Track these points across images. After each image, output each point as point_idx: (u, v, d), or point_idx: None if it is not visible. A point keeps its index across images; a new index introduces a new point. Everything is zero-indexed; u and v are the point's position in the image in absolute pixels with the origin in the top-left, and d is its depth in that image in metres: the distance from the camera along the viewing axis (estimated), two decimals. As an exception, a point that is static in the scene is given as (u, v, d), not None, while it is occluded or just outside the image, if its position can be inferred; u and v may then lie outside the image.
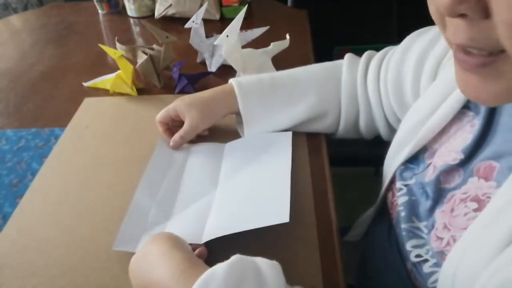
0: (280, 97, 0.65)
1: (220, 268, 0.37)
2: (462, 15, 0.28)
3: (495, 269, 0.32)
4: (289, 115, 0.65)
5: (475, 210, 0.39)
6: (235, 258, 0.38)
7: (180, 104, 0.65)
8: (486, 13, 0.27)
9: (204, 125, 0.66)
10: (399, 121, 0.58)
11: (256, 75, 0.68)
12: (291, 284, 0.39)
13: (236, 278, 0.36)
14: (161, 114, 0.67)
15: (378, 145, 0.71)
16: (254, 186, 0.58)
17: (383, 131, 0.67)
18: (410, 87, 0.58)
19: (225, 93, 0.66)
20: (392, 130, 0.65)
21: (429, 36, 0.56)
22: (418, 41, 0.58)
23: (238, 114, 0.66)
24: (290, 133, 0.66)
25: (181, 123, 0.66)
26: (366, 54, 0.68)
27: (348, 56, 0.69)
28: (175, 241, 0.43)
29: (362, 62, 0.67)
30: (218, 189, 0.60)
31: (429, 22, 0.59)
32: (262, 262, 0.39)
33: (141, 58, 0.81)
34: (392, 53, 0.64)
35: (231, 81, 0.66)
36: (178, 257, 0.41)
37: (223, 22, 1.12)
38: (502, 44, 0.28)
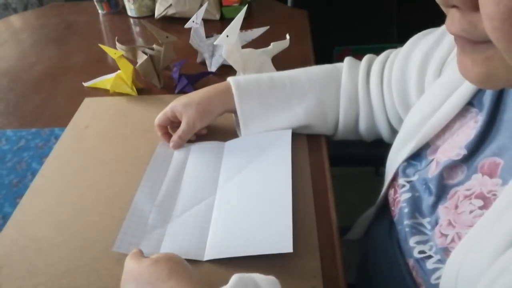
0: (278, 98, 0.65)
1: None
2: (455, 6, 0.30)
3: (500, 268, 0.32)
4: (286, 116, 0.65)
5: (481, 208, 0.39)
6: (235, 279, 0.39)
7: (177, 105, 0.65)
8: (475, 5, 0.29)
9: (201, 124, 0.66)
10: (401, 122, 0.58)
11: (255, 75, 0.68)
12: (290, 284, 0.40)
13: None
14: (159, 117, 0.67)
15: (378, 145, 0.71)
16: (254, 192, 0.58)
17: (384, 133, 0.67)
18: (415, 88, 0.58)
19: (221, 91, 0.66)
20: (394, 132, 0.65)
21: (433, 37, 0.56)
22: (421, 42, 0.58)
23: (235, 112, 0.66)
24: (289, 131, 0.66)
25: (180, 124, 0.66)
26: (366, 57, 0.68)
27: (348, 59, 0.69)
28: (173, 266, 0.42)
29: (363, 65, 0.67)
30: (218, 192, 0.60)
31: (429, 22, 0.60)
32: (261, 280, 0.39)
33: (141, 58, 0.81)
34: (395, 55, 0.64)
35: (229, 79, 0.67)
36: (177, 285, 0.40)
37: (223, 22, 1.12)
38: (489, 36, 0.29)
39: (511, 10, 0.26)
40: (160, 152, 0.67)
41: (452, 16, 0.31)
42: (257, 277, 0.40)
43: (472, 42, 0.31)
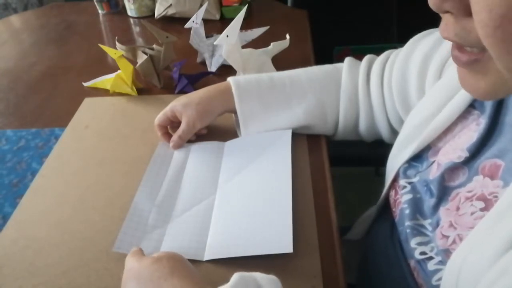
0: (278, 98, 0.65)
1: None
2: (448, 11, 0.31)
3: (500, 269, 0.32)
4: (286, 116, 0.65)
5: (482, 210, 0.39)
6: (236, 278, 0.39)
7: (177, 105, 0.65)
8: (468, 11, 0.29)
9: (201, 124, 0.66)
10: (402, 123, 0.58)
11: (255, 75, 0.68)
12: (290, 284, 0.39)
13: None
14: (159, 117, 0.67)
15: (378, 145, 0.71)
16: (254, 192, 0.58)
17: (385, 133, 0.67)
18: (415, 89, 0.58)
19: (221, 91, 0.66)
20: (394, 133, 0.65)
21: (433, 38, 0.56)
22: (422, 43, 0.58)
23: (235, 112, 0.66)
24: (289, 131, 0.66)
25: (180, 124, 0.66)
26: (366, 58, 0.68)
27: (348, 59, 0.69)
28: (175, 264, 0.42)
29: (363, 66, 0.67)
30: (218, 192, 0.60)
31: (429, 22, 0.59)
32: (262, 278, 0.39)
33: (141, 58, 0.81)
34: (395, 55, 0.64)
35: (229, 79, 0.67)
36: (179, 285, 0.40)
37: (223, 22, 1.12)
38: (482, 42, 0.29)
39: (503, 17, 0.27)
40: (160, 152, 0.67)
41: (446, 21, 0.32)
42: (258, 276, 0.40)
43: (473, 59, 0.31)
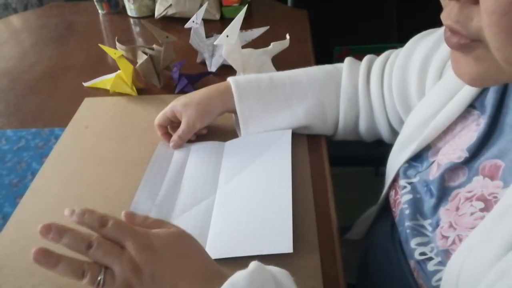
0: (278, 98, 0.65)
1: (241, 277, 0.37)
2: None
3: (500, 271, 0.32)
4: (286, 116, 0.65)
5: (482, 210, 0.39)
6: (254, 266, 0.38)
7: (177, 104, 0.65)
8: None
9: (201, 124, 0.66)
10: (402, 123, 0.58)
11: (255, 75, 0.68)
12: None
13: (258, 287, 0.36)
14: (159, 117, 0.67)
15: (378, 145, 0.71)
16: (255, 192, 0.58)
17: (385, 134, 0.67)
18: (415, 89, 0.58)
19: (221, 91, 0.66)
20: (395, 133, 0.65)
21: (433, 38, 0.56)
22: (422, 43, 0.58)
23: (235, 112, 0.66)
24: (289, 131, 0.66)
25: (180, 124, 0.66)
26: (366, 58, 0.68)
27: (348, 60, 0.69)
28: (191, 245, 0.42)
29: (363, 66, 0.67)
30: (218, 192, 0.60)
31: (429, 22, 0.59)
32: (276, 271, 0.39)
33: (141, 58, 0.81)
34: (395, 56, 0.64)
35: (229, 79, 0.67)
36: (197, 267, 0.40)
37: (223, 22, 1.12)
38: (483, 32, 0.30)
39: (510, 5, 0.27)
40: (160, 152, 0.67)
41: (450, 9, 0.32)
42: (273, 268, 0.40)
43: (462, 43, 0.32)
